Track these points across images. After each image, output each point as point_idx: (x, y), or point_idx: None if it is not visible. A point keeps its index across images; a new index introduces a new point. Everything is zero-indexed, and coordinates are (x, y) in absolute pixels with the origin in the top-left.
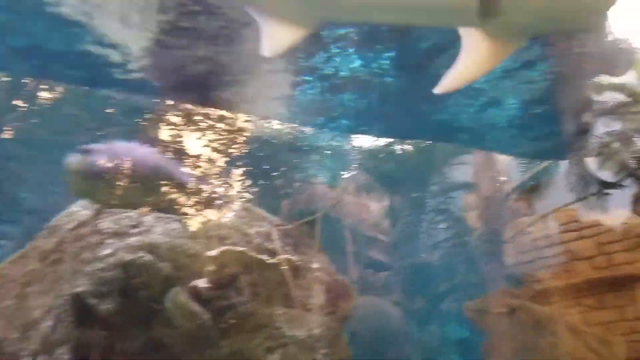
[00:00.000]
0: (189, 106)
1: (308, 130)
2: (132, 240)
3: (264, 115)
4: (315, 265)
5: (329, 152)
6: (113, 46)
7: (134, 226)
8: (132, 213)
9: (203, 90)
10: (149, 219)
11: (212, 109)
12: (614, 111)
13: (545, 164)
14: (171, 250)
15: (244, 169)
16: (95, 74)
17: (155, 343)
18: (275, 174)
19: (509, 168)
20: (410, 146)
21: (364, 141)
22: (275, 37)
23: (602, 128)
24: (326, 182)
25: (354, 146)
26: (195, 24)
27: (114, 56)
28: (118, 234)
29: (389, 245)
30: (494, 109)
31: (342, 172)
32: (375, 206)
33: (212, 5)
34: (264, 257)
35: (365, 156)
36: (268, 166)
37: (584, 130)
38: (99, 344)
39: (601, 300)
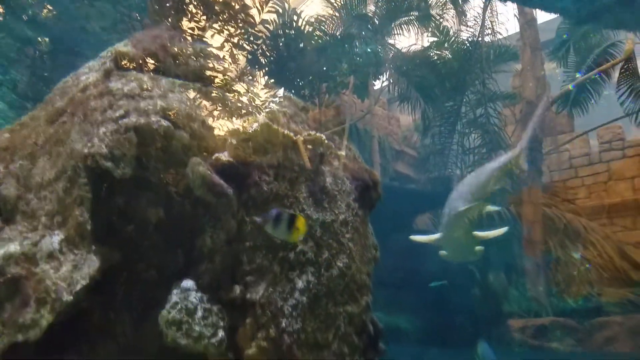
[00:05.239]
0: None
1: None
2: (146, 103)
3: None
4: (342, 153)
5: (359, 58)
6: None
7: (148, 89)
8: (145, 76)
9: None
10: (164, 83)
11: None
12: None
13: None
14: (189, 118)
15: (269, 71)
16: None
17: (172, 214)
18: (302, 82)
19: (552, 80)
20: (447, 51)
21: (397, 45)
22: None
23: None
24: (355, 92)
25: (387, 49)
26: None
27: None
28: (130, 96)
29: (417, 159)
30: None
31: (373, 82)
32: (406, 119)
33: None
34: (290, 133)
35: (398, 62)
36: (295, 72)
37: None
38: (115, 209)
39: (635, 222)
